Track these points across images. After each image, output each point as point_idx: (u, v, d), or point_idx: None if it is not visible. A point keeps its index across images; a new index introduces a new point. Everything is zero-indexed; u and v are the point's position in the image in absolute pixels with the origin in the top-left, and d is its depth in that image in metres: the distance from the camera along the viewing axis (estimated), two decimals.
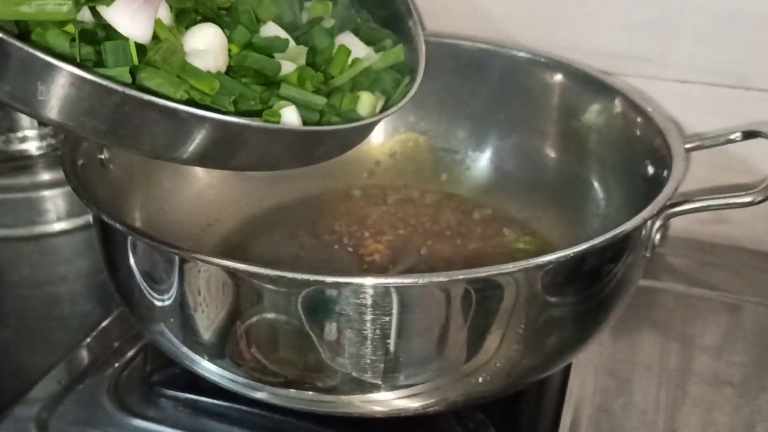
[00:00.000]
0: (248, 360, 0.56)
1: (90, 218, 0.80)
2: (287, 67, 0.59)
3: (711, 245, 0.91)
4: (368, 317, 0.51)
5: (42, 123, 0.87)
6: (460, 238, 0.80)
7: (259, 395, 0.60)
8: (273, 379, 0.57)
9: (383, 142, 0.91)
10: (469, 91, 0.87)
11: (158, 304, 0.57)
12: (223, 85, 0.52)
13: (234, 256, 0.73)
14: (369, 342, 0.52)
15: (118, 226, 0.54)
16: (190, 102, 0.50)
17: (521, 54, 0.83)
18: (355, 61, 0.64)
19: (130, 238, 0.56)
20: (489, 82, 0.86)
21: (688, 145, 0.68)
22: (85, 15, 0.50)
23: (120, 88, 0.45)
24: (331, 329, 0.52)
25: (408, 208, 0.85)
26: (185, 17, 0.55)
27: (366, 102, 0.62)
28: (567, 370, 0.72)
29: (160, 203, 0.76)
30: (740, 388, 0.71)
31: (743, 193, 0.61)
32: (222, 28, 0.55)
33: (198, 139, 0.50)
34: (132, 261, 0.57)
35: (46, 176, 0.86)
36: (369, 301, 0.51)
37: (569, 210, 0.80)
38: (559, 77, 0.82)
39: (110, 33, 0.50)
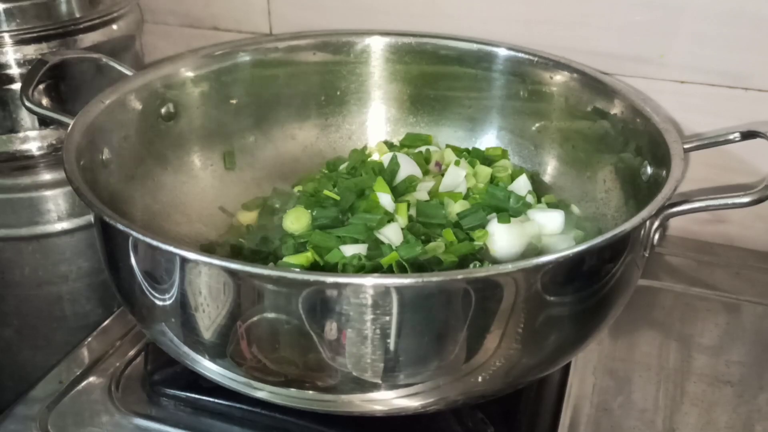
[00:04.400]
0: (249, 359, 0.56)
1: (91, 218, 0.81)
2: None
3: (710, 245, 0.92)
4: (368, 317, 0.51)
5: (43, 124, 0.87)
6: None
7: (260, 394, 0.60)
8: (273, 379, 0.57)
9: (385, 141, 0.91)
10: (469, 91, 0.87)
11: (159, 303, 0.58)
12: None
13: (235, 256, 0.74)
14: (369, 342, 0.52)
15: (119, 226, 0.54)
16: None
17: (521, 54, 0.84)
18: None
19: (131, 238, 0.56)
20: (489, 82, 0.86)
21: (686, 146, 0.68)
22: None
23: None
24: (331, 329, 0.52)
25: None
26: None
27: None
28: (566, 370, 0.72)
29: (160, 203, 0.77)
30: (739, 388, 0.71)
31: (742, 193, 0.61)
32: None
33: None
34: (133, 261, 0.57)
35: (47, 176, 0.86)
36: (369, 301, 0.51)
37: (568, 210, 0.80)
38: (558, 77, 0.82)
39: None
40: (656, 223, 0.61)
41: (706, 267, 0.88)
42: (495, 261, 0.71)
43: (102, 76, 0.85)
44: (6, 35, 0.82)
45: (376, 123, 0.91)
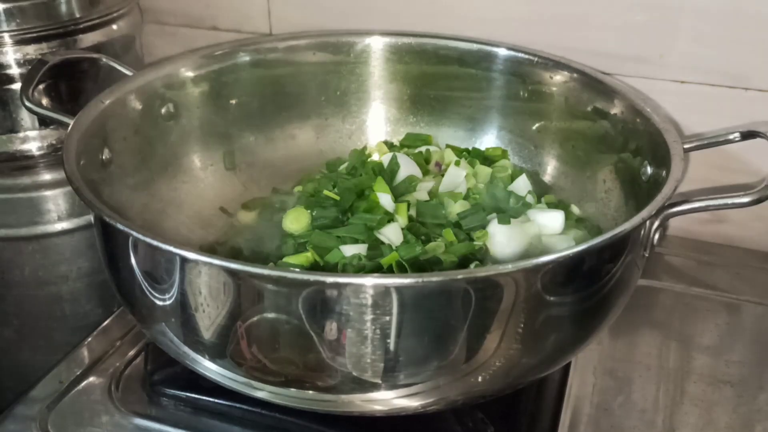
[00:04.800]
0: (249, 359, 0.56)
1: (91, 218, 0.81)
2: None
3: (710, 245, 0.92)
4: (368, 317, 0.51)
5: (43, 124, 0.87)
6: None
7: (260, 394, 0.60)
8: (273, 379, 0.57)
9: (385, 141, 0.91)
10: (469, 91, 0.87)
11: (159, 303, 0.58)
12: None
13: (235, 256, 0.73)
14: (369, 342, 0.52)
15: (119, 226, 0.54)
16: None
17: (521, 54, 0.84)
18: None
19: (131, 238, 0.56)
20: (489, 82, 0.86)
21: (686, 146, 0.68)
22: None
23: None
24: (331, 329, 0.52)
25: None
26: None
27: None
28: (566, 369, 0.72)
29: (160, 203, 0.77)
30: (739, 388, 0.71)
31: (742, 193, 0.61)
32: None
33: None
34: (133, 261, 0.57)
35: (47, 176, 0.86)
36: (369, 301, 0.51)
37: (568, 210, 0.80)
38: (558, 77, 0.82)
39: None
40: (656, 223, 0.61)
41: (706, 267, 0.88)
42: (495, 261, 0.71)
43: (102, 76, 0.85)
44: (6, 35, 0.82)
45: (376, 123, 0.91)
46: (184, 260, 0.54)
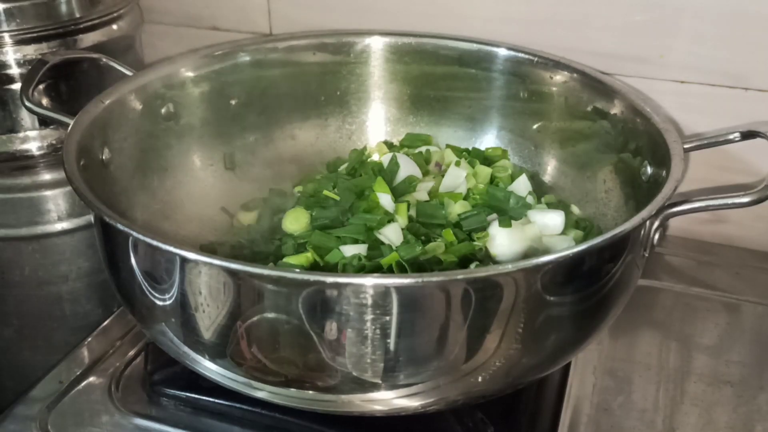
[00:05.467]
0: (249, 359, 0.56)
1: (91, 218, 0.81)
2: None
3: (710, 245, 0.92)
4: (368, 317, 0.51)
5: (43, 124, 0.87)
6: None
7: (260, 394, 0.60)
8: (273, 379, 0.57)
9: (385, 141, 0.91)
10: (469, 91, 0.87)
11: (159, 303, 0.58)
12: None
13: (235, 256, 0.73)
14: (369, 342, 0.52)
15: (119, 226, 0.54)
16: None
17: (521, 54, 0.84)
18: None
19: (131, 238, 0.56)
20: (489, 82, 0.86)
21: (686, 146, 0.68)
22: None
23: None
24: (331, 329, 0.52)
25: None
26: None
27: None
28: (566, 370, 0.72)
29: (160, 203, 0.77)
30: (739, 388, 0.71)
31: (742, 193, 0.61)
32: None
33: None
34: (133, 261, 0.57)
35: (47, 176, 0.86)
36: (369, 301, 0.51)
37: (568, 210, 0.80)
38: (558, 77, 0.82)
39: None
40: (656, 223, 0.61)
41: (706, 267, 0.88)
42: (495, 262, 0.71)
43: (102, 76, 0.85)
44: (6, 35, 0.82)
45: (376, 123, 0.91)
46: (184, 260, 0.54)
